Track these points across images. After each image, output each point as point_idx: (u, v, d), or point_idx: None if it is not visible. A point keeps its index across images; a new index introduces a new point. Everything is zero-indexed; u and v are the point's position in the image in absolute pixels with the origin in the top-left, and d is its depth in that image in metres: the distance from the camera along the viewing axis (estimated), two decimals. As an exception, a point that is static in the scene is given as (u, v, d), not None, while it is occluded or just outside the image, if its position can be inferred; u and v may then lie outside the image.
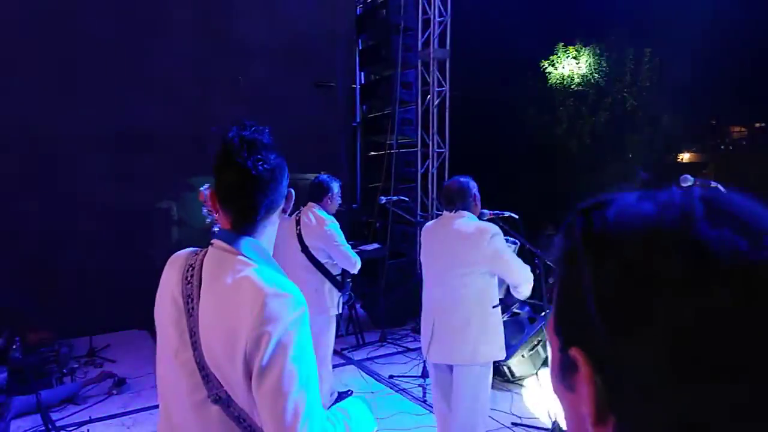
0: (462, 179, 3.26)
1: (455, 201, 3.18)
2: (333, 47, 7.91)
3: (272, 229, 1.35)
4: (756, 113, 27.59)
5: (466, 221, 3.09)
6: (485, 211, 3.43)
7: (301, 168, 7.21)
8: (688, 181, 2.96)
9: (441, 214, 3.33)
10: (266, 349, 1.14)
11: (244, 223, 1.29)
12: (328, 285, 3.94)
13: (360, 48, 8.55)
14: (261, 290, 1.18)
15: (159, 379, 1.36)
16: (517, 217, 3.76)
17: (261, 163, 1.26)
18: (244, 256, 1.24)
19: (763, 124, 29.19)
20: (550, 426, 3.81)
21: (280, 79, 7.25)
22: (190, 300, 1.26)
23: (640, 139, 11.50)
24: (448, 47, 7.17)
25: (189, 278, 1.28)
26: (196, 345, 1.24)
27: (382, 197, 5.25)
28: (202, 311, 1.25)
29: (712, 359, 0.37)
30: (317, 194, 4.00)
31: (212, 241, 1.31)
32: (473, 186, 3.22)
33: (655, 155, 11.68)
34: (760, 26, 21.58)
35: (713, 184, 3.14)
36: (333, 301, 3.95)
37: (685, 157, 21.46)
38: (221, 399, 1.21)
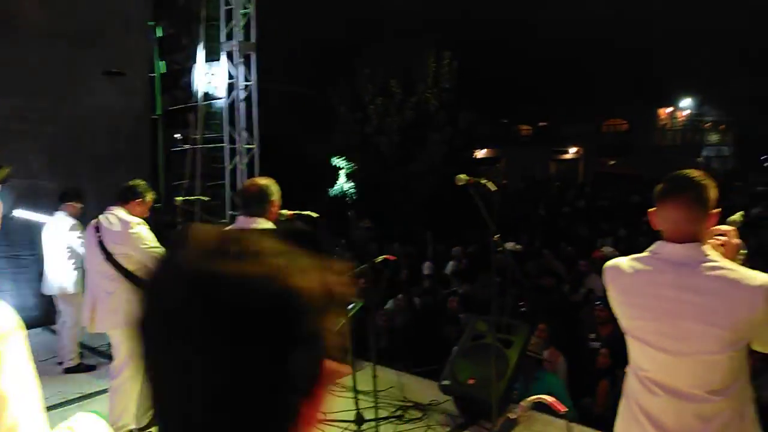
0: (261, 182, 3.16)
1: (251, 205, 3.09)
2: (126, 32, 7.22)
3: None
4: (540, 113, 31.84)
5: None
6: (284, 211, 3.37)
7: (95, 163, 6.49)
8: (461, 181, 3.24)
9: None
10: None
11: None
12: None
13: (159, 36, 7.96)
14: None
15: None
16: (316, 215, 3.78)
17: None
18: None
19: (546, 123, 33.67)
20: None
21: (64, 65, 6.40)
22: None
23: (442, 137, 12.47)
24: (253, 40, 6.99)
25: None
26: None
27: (178, 197, 4.95)
28: None
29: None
30: (125, 195, 3.64)
31: None
32: (273, 189, 3.11)
33: (455, 152, 12.76)
34: (547, 37, 24.78)
35: (482, 181, 3.51)
36: None
37: (481, 153, 23.85)
38: None
